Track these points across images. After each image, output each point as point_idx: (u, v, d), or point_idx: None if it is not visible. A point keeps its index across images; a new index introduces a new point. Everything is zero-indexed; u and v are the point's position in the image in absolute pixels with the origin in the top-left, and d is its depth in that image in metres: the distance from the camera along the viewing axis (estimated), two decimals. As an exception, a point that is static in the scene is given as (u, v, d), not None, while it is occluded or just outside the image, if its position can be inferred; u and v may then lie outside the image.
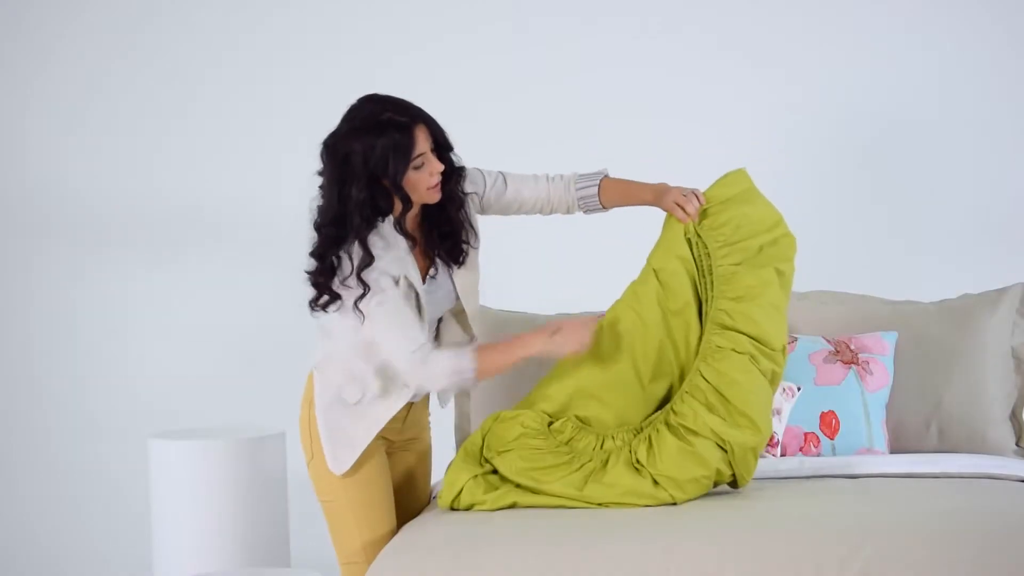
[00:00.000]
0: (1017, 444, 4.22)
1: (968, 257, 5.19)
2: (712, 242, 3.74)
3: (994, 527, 3.30)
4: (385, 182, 3.54)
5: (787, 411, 4.07)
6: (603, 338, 3.77)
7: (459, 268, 3.74)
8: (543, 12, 5.33)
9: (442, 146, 3.62)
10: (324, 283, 3.58)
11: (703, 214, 3.76)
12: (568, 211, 3.86)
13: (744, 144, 5.15)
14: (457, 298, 3.77)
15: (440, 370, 3.58)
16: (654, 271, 3.77)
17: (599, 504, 3.61)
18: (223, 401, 5.36)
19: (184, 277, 5.46)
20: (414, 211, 3.68)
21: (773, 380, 3.73)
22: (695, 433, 3.63)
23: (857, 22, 5.24)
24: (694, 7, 5.29)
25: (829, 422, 4.11)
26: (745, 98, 5.28)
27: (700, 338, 3.74)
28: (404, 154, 3.52)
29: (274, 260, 5.28)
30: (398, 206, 3.60)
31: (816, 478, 3.89)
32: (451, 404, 4.33)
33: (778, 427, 4.06)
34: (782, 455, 4.07)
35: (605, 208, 3.84)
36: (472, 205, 3.76)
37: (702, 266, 3.76)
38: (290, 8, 5.41)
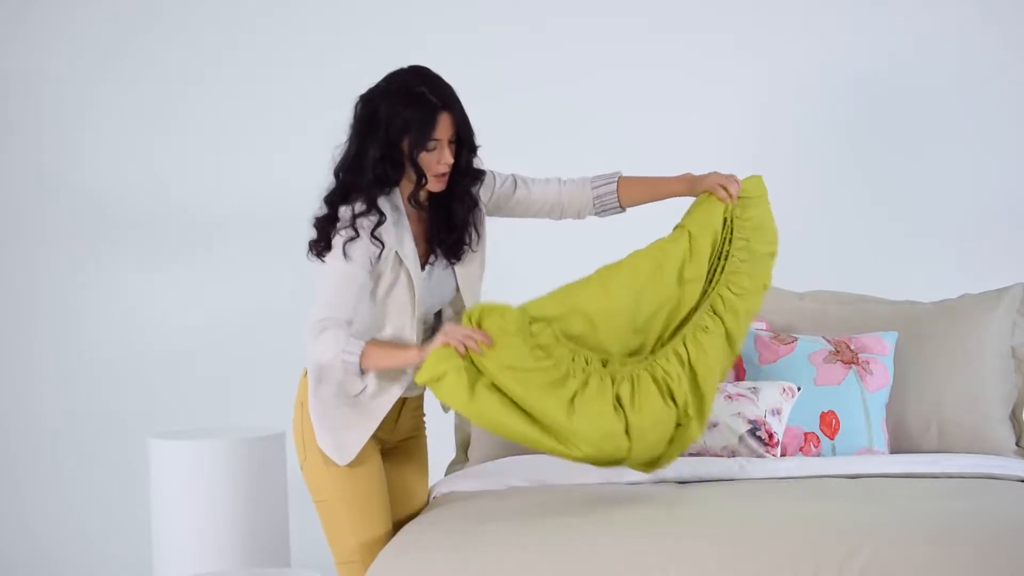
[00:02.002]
0: (1017, 444, 4.22)
1: (968, 257, 5.18)
2: (738, 231, 3.74)
3: (994, 527, 3.30)
4: (403, 147, 3.57)
5: (787, 411, 4.07)
6: (618, 271, 3.73)
7: (459, 263, 3.75)
8: (542, 12, 5.33)
9: (463, 142, 3.64)
10: (324, 228, 3.61)
11: (737, 202, 3.76)
12: (579, 215, 3.84)
13: (744, 145, 5.15)
14: (457, 290, 3.77)
15: (330, 343, 3.55)
16: (689, 233, 3.75)
17: (578, 450, 3.52)
18: (223, 401, 5.36)
19: (184, 277, 5.46)
20: (424, 193, 3.68)
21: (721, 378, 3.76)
22: (672, 398, 3.62)
23: (859, 21, 5.24)
24: (691, 5, 5.29)
25: (829, 422, 4.11)
26: (745, 98, 5.27)
27: (688, 316, 3.74)
28: (422, 132, 3.56)
29: (275, 261, 5.28)
30: (410, 183, 3.63)
31: (816, 478, 3.89)
32: (451, 404, 4.33)
33: (778, 427, 4.05)
34: (782, 455, 4.07)
35: (622, 208, 3.83)
36: (482, 211, 3.76)
37: (722, 250, 3.75)
38: (290, 6, 5.41)
